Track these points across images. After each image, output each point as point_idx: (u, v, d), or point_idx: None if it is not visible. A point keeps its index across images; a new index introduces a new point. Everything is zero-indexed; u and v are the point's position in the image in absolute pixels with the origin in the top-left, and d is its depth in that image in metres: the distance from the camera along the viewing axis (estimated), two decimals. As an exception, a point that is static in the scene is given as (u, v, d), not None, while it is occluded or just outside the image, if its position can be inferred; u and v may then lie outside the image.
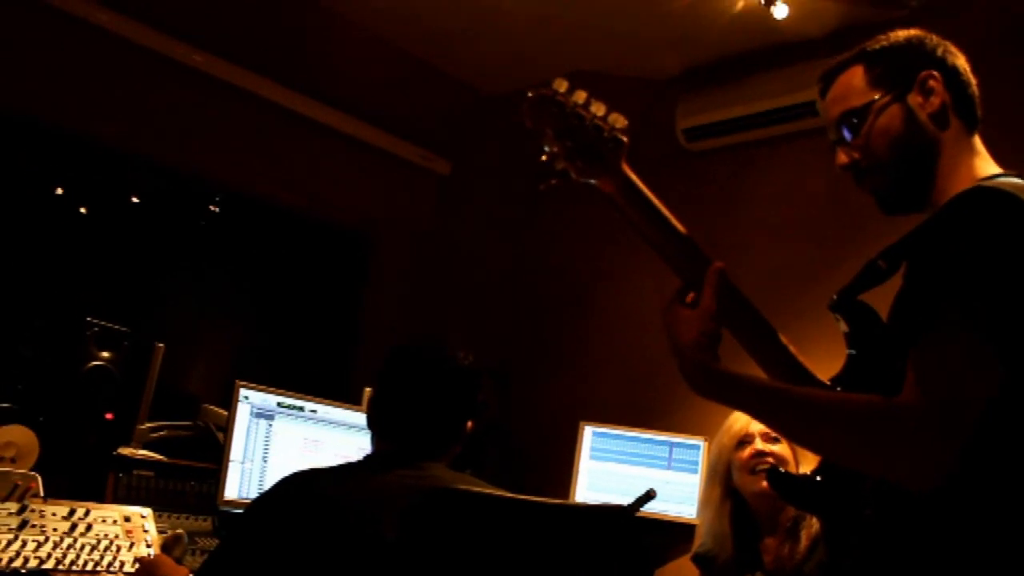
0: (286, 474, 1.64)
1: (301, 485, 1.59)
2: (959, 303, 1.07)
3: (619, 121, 1.20)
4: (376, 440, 1.77)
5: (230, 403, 2.53)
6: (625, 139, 1.21)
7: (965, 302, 1.07)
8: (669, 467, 3.48)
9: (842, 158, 1.40)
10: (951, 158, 1.34)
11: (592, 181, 1.22)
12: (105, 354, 2.61)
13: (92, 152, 3.56)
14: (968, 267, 1.09)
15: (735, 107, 3.52)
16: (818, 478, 1.36)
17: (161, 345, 2.71)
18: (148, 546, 2.02)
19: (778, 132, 3.49)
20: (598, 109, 1.19)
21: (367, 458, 1.73)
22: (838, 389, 1.34)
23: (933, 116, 1.34)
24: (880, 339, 1.29)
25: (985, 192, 1.17)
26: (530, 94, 1.19)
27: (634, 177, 1.23)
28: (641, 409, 3.74)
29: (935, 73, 1.35)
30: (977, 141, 1.38)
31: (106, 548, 1.95)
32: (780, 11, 3.07)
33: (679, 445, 3.47)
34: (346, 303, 4.30)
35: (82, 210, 3.69)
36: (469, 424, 1.81)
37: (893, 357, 1.20)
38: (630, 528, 1.64)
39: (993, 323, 1.06)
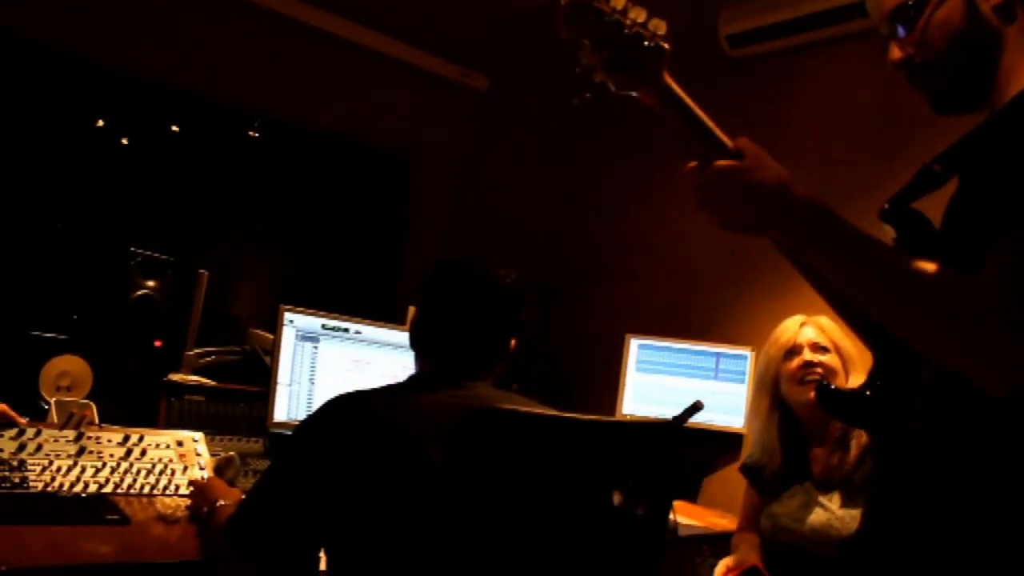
0: (331, 396, 1.64)
1: (346, 408, 1.59)
2: None
3: (660, 27, 1.13)
4: (420, 360, 1.76)
5: (275, 327, 2.55)
6: (667, 47, 1.14)
7: None
8: (716, 377, 3.47)
9: (895, 53, 1.31)
10: (1014, 54, 1.23)
11: (633, 93, 1.15)
12: (150, 283, 2.64)
13: (131, 84, 3.55)
14: None
15: (781, 10, 3.37)
16: (867, 392, 1.33)
17: (205, 272, 2.73)
18: (201, 469, 2.06)
19: (826, 35, 3.35)
20: (638, 15, 1.12)
21: (411, 379, 1.73)
22: None
23: (998, 8, 1.23)
24: (936, 248, 1.23)
25: None
26: (563, 2, 1.11)
27: (676, 87, 1.17)
28: (687, 320, 3.72)
29: None
30: None
31: (161, 472, 1.99)
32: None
33: (725, 355, 3.46)
34: (388, 224, 4.29)
35: (123, 141, 3.70)
36: (513, 342, 1.79)
37: (947, 266, 1.15)
38: (677, 441, 1.63)
39: None
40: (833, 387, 1.37)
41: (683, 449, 1.71)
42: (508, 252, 4.02)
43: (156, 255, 2.67)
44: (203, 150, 3.81)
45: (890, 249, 1.12)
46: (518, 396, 1.74)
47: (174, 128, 3.81)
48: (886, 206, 1.31)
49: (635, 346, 3.57)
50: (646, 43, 1.12)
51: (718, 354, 3.47)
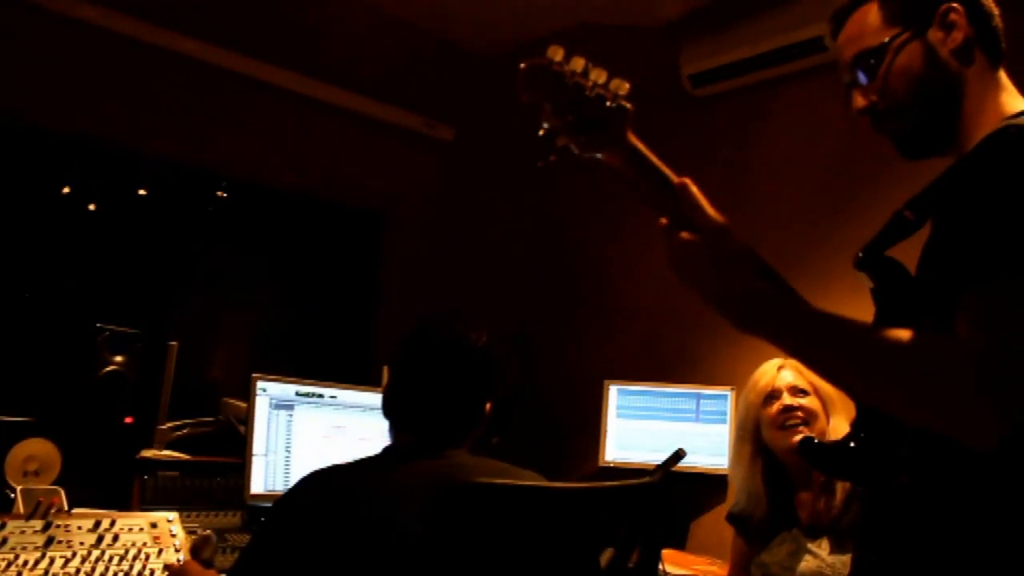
0: (309, 469, 1.61)
1: (323, 484, 1.56)
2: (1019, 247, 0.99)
3: (622, 88, 1.10)
4: (394, 431, 1.73)
5: (249, 395, 2.50)
6: (629, 106, 1.12)
7: None
8: (697, 419, 3.44)
9: (859, 101, 1.31)
10: (976, 96, 1.25)
11: (597, 155, 1.13)
12: (119, 358, 2.58)
13: (97, 149, 3.52)
14: None
15: (741, 48, 3.40)
16: (851, 444, 1.31)
17: (175, 344, 2.68)
18: (177, 551, 2.01)
19: (788, 71, 3.37)
20: (599, 76, 1.09)
21: (386, 450, 1.70)
22: None
23: (956, 52, 1.25)
24: (912, 296, 1.22)
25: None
26: (523, 65, 1.09)
27: (641, 146, 1.15)
28: (665, 364, 3.70)
29: (956, 5, 1.26)
30: (1003, 76, 1.28)
31: (135, 557, 1.93)
32: (780, -56, 2.95)
33: (706, 396, 3.44)
34: (362, 282, 4.26)
35: (90, 207, 3.66)
36: (488, 406, 1.77)
37: (923, 313, 1.14)
38: (662, 498, 1.60)
39: None
40: (816, 441, 1.35)
41: (669, 496, 1.68)
42: (484, 303, 4.02)
43: (124, 329, 2.62)
44: (171, 214, 3.78)
45: (851, 324, 1.09)
46: (496, 462, 1.71)
47: (141, 192, 3.78)
48: (860, 254, 1.31)
49: (614, 392, 3.55)
50: (608, 104, 1.10)
51: (698, 395, 3.44)
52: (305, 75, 3.79)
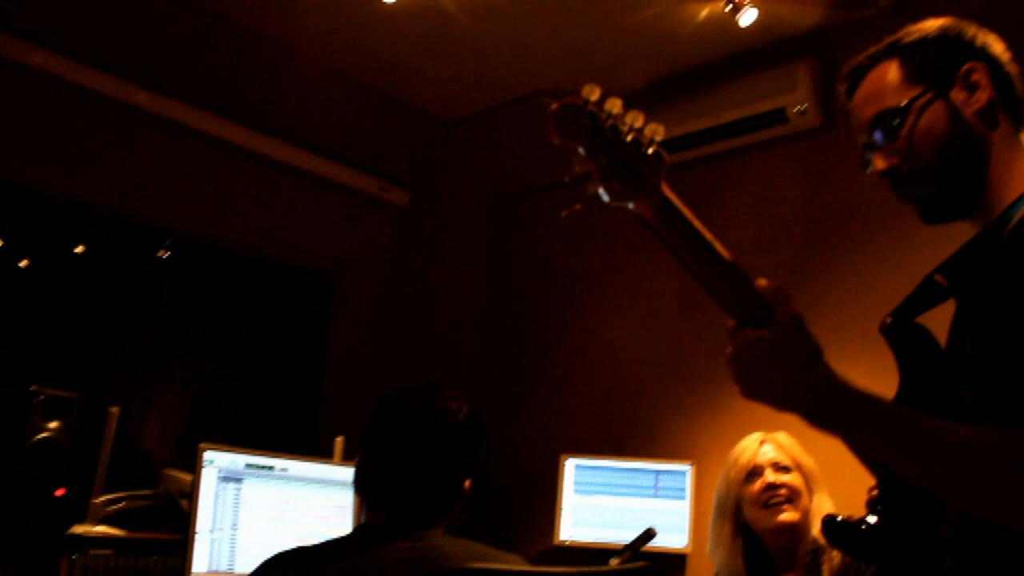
0: (256, 548, 1.48)
1: (291, 568, 1.42)
2: None
3: (659, 133, 1.03)
4: (367, 509, 1.60)
5: (193, 466, 2.34)
6: (667, 156, 1.05)
7: None
8: (656, 495, 3.36)
9: (879, 163, 1.26)
10: (1003, 159, 1.21)
11: (629, 204, 1.05)
12: (53, 424, 2.40)
13: (31, 202, 3.35)
14: None
15: (703, 118, 3.41)
16: (872, 520, 1.23)
17: (115, 409, 2.51)
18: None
19: (749, 141, 3.40)
20: (635, 120, 1.02)
21: (359, 530, 1.57)
22: None
23: (980, 113, 1.21)
24: (943, 366, 1.16)
25: None
26: (555, 105, 1.00)
27: (675, 199, 1.07)
28: (624, 437, 3.61)
29: (979, 65, 1.23)
30: None
31: (66, 648, 1.75)
32: (747, 18, 2.98)
33: (665, 472, 3.35)
34: (309, 348, 4.10)
35: (23, 263, 3.47)
36: (468, 483, 1.65)
37: (963, 387, 1.07)
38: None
39: None
40: (840, 518, 1.26)
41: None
42: (435, 374, 3.89)
43: (60, 393, 2.44)
44: (110, 272, 3.60)
45: (932, 421, 1.03)
46: (476, 544, 1.58)
47: (79, 249, 3.60)
48: (888, 320, 1.24)
49: (571, 466, 3.44)
50: (644, 150, 1.03)
51: (657, 471, 3.36)
52: (258, 132, 3.68)
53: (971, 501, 1.01)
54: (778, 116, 3.25)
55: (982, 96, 1.22)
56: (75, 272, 3.50)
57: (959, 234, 1.26)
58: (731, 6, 2.98)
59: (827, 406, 1.05)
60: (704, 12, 3.13)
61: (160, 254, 3.81)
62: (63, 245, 3.55)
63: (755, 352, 1.07)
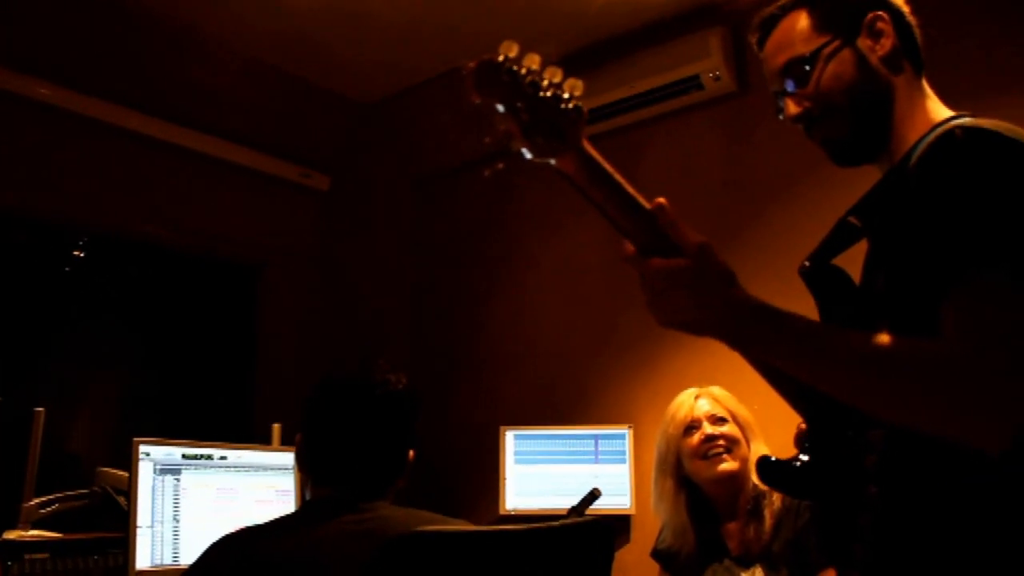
0: (200, 538, 1.46)
1: (238, 550, 1.41)
2: (1001, 246, 0.99)
3: (577, 88, 1.03)
4: (312, 486, 1.60)
5: (129, 462, 2.29)
6: (585, 109, 1.05)
7: (1008, 245, 0.99)
8: (596, 460, 3.40)
9: (792, 108, 1.31)
10: (906, 103, 1.27)
11: (551, 161, 1.05)
12: (-23, 429, 2.33)
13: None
14: (998, 217, 1.01)
15: (619, 88, 3.44)
16: (804, 458, 1.27)
17: (41, 410, 2.44)
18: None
19: (666, 109, 3.44)
20: (554, 75, 1.01)
21: (306, 506, 1.57)
22: None
23: (885, 59, 1.27)
24: (859, 304, 1.21)
25: (972, 131, 1.09)
26: (473, 64, 0.99)
27: (596, 153, 1.09)
28: (562, 405, 3.65)
29: (883, 14, 1.28)
30: (926, 84, 1.32)
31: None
32: (656, -15, 3.01)
33: (604, 436, 3.40)
34: (237, 338, 4.04)
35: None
36: (412, 453, 1.66)
37: (879, 319, 1.12)
38: (609, 535, 1.53)
39: None
40: (773, 459, 1.30)
41: (607, 535, 1.60)
42: (367, 355, 3.87)
43: (-18, 397, 2.37)
44: (25, 274, 3.48)
45: (852, 334, 1.07)
46: (424, 512, 1.60)
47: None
48: (807, 263, 1.29)
49: (511, 437, 3.47)
50: (564, 105, 1.03)
51: (596, 436, 3.41)
52: (172, 123, 3.59)
53: (889, 408, 1.05)
54: (693, 83, 3.30)
55: (886, 43, 1.27)
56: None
57: (872, 179, 1.32)
58: (641, -26, 3.01)
59: (748, 325, 1.08)
60: (615, -18, 3.16)
61: (76, 253, 3.70)
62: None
63: (671, 280, 1.08)
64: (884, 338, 1.02)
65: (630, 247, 1.10)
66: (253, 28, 3.54)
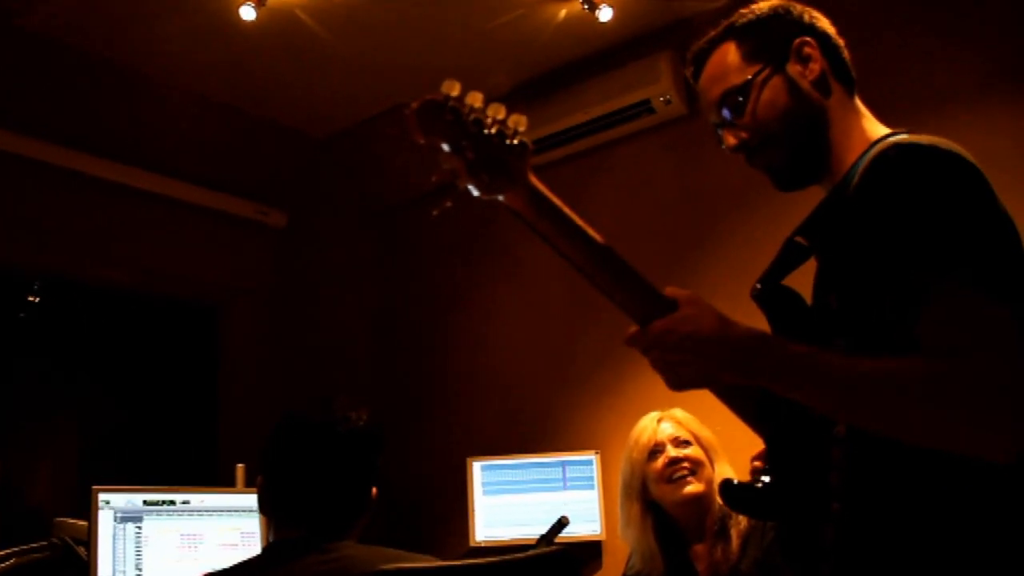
0: None
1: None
2: (958, 252, 1.03)
3: (521, 123, 1.05)
4: (275, 528, 1.58)
5: (88, 512, 2.25)
6: (531, 144, 1.07)
7: (965, 260, 1.02)
8: (565, 487, 3.40)
9: (730, 140, 1.34)
10: (841, 123, 1.30)
11: (499, 197, 1.06)
12: (-70, 484, 2.27)
13: None
14: (948, 227, 1.03)
15: (571, 116, 3.47)
16: (767, 479, 1.28)
17: (-3, 462, 2.39)
18: None
19: (618, 134, 3.48)
20: (497, 112, 1.03)
21: (270, 548, 1.55)
22: None
23: (815, 83, 1.30)
24: (812, 325, 1.22)
25: (911, 147, 1.12)
26: (415, 104, 1.01)
27: (542, 187, 1.10)
28: (526, 436, 3.64)
29: (809, 39, 1.31)
30: (859, 103, 1.35)
31: None
32: (605, 14, 3.06)
33: (572, 463, 3.40)
34: (199, 379, 3.99)
35: None
36: (375, 491, 1.65)
37: (834, 336, 1.14)
38: (574, 565, 1.53)
39: (998, 273, 1.02)
40: (736, 482, 1.31)
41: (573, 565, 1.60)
42: (331, 392, 3.83)
43: (-66, 451, 2.31)
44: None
45: (851, 358, 1.10)
46: (389, 550, 1.58)
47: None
48: (758, 286, 1.30)
49: (478, 469, 3.45)
50: (508, 141, 1.04)
51: (564, 463, 3.40)
52: (124, 164, 3.55)
53: (885, 424, 1.07)
54: (644, 107, 3.35)
55: (815, 67, 1.30)
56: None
57: (816, 199, 1.34)
58: (587, 5, 3.05)
59: (757, 358, 1.11)
60: (563, 12, 3.20)
61: (30, 298, 3.65)
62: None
63: (672, 338, 1.11)
64: (875, 361, 1.06)
65: (632, 328, 1.15)
66: (201, 65, 3.53)
